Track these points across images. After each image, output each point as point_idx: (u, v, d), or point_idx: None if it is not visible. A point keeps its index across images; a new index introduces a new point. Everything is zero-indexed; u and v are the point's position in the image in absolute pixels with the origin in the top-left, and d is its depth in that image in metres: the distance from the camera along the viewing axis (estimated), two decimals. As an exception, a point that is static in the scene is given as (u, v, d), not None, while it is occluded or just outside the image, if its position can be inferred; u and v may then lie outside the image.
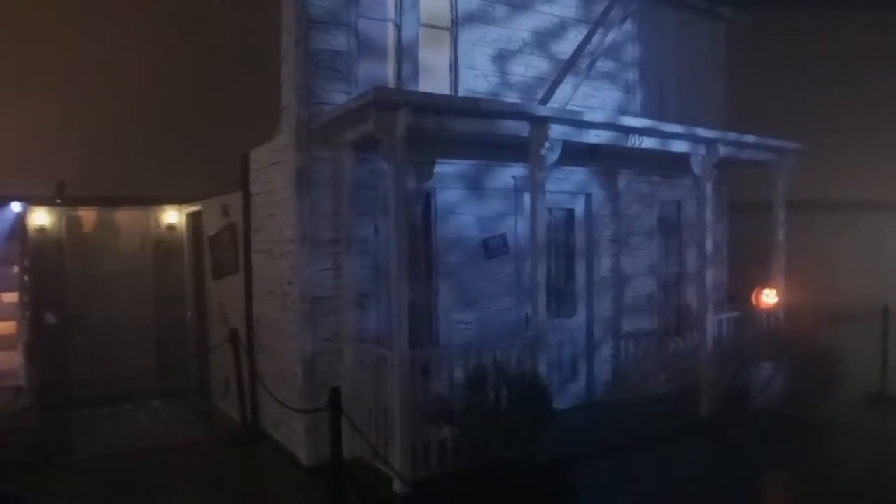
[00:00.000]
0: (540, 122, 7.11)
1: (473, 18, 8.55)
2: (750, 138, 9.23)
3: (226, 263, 9.53)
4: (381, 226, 7.56)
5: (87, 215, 11.28)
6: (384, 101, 6.14)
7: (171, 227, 11.75)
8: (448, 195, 8.24)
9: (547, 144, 7.15)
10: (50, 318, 10.52)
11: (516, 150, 7.93)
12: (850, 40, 13.42)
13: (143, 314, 11.57)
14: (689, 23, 10.87)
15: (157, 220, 11.68)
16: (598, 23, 9.73)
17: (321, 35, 7.40)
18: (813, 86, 13.11)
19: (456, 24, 8.43)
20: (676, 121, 9.47)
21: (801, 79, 13.03)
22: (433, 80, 8.15)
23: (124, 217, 11.52)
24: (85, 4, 10.41)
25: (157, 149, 10.79)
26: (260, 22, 8.65)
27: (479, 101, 6.77)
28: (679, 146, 8.64)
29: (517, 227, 8.75)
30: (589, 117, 7.49)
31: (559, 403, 8.41)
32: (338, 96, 7.36)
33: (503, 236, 8.64)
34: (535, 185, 7.28)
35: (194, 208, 11.08)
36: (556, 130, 7.23)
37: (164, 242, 11.74)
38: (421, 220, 8.12)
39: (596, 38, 9.68)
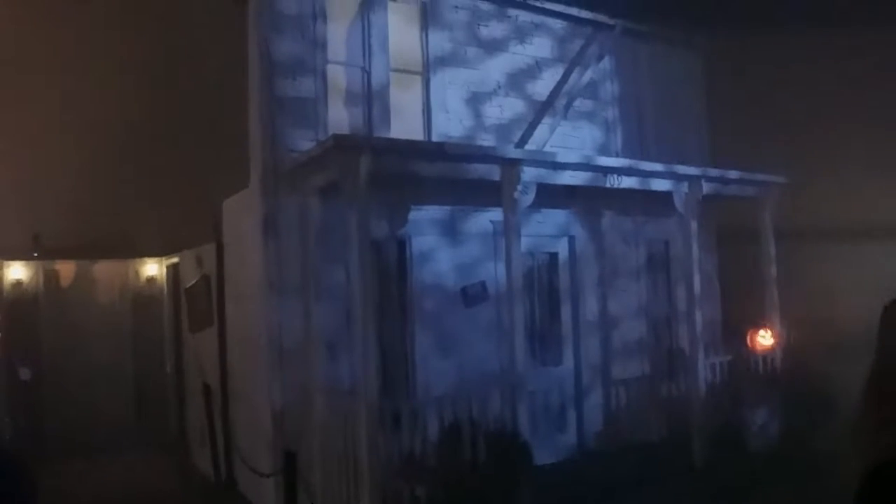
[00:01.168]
0: (510, 165, 6.93)
1: (445, 61, 8.45)
2: (733, 174, 9.05)
3: (201, 315, 9.30)
4: (352, 271, 7.32)
5: (65, 268, 11.13)
6: (345, 147, 5.98)
7: (150, 280, 11.56)
8: (423, 241, 8.03)
9: (519, 187, 6.96)
10: (24, 373, 10.26)
11: (492, 193, 7.74)
12: (834, 64, 13.26)
13: (122, 367, 11.34)
14: (666, 55, 10.76)
15: (136, 273, 11.50)
16: (575, 62, 9.64)
17: (287, 81, 7.28)
18: (797, 112, 12.91)
19: (427, 67, 8.32)
20: (659, 156, 9.33)
21: (784, 106, 12.83)
22: (405, 124, 8.01)
23: (103, 270, 11.36)
24: (61, 56, 10.36)
25: (136, 200, 10.65)
26: (233, 70, 8.57)
27: (444, 144, 6.61)
28: (660, 185, 8.45)
29: (497, 273, 8.49)
30: (563, 158, 7.32)
31: (548, 455, 8.13)
32: (305, 142, 7.21)
33: (482, 283, 8.40)
34: (509, 229, 7.08)
35: (173, 260, 10.89)
36: (529, 173, 7.05)
37: (143, 295, 11.54)
38: (396, 266, 7.89)
39: (573, 77, 9.58)
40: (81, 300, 11.18)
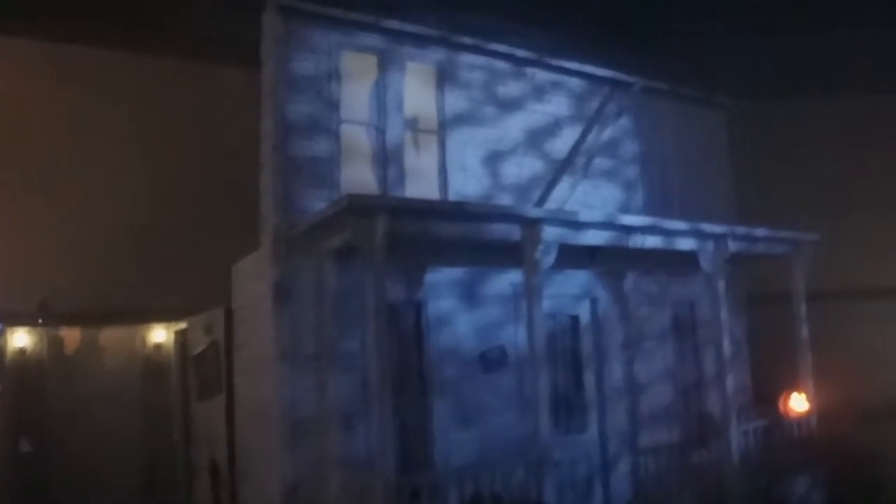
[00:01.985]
0: (531, 225, 6.65)
1: (462, 120, 8.27)
2: (761, 231, 8.74)
3: (210, 384, 8.94)
4: (368, 339, 6.97)
5: (71, 335, 10.81)
6: (360, 208, 5.73)
7: (158, 346, 11.23)
8: (441, 305, 7.70)
9: (541, 247, 6.65)
10: (24, 445, 9.85)
11: (512, 254, 7.45)
12: (857, 124, 13.10)
13: (130, 437, 10.89)
14: (687, 113, 10.58)
15: (143, 339, 11.19)
16: (593, 120, 9.47)
17: (301, 141, 7.09)
18: (823, 171, 12.71)
19: (443, 126, 8.14)
20: (682, 215, 9.06)
21: (808, 165, 12.64)
22: (421, 184, 7.79)
23: (110, 336, 11.03)
24: (70, 119, 10.30)
25: (143, 264, 10.42)
26: (246, 132, 8.43)
27: (464, 204, 6.37)
28: (685, 244, 8.13)
29: (517, 337, 8.13)
30: (585, 217, 7.03)
31: (574, 530, 7.62)
32: (319, 203, 6.96)
33: (502, 347, 8.03)
34: (530, 291, 6.75)
35: (181, 326, 10.58)
36: (550, 232, 6.75)
37: (152, 362, 11.19)
38: (412, 332, 7.55)
39: (592, 136, 9.39)
40: (88, 367, 10.83)
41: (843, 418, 9.09)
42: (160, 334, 11.22)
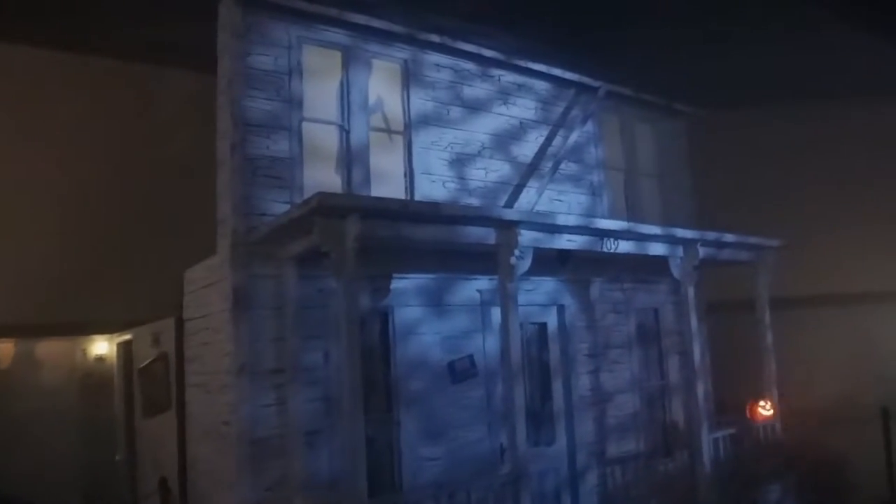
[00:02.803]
0: (508, 228, 6.36)
1: (428, 121, 7.96)
2: (730, 237, 8.66)
3: (157, 399, 8.37)
4: (332, 351, 6.59)
5: (4, 348, 10.08)
6: (330, 208, 5.33)
7: (100, 359, 10.58)
8: (407, 313, 7.34)
9: (517, 252, 6.37)
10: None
11: (481, 260, 7.15)
12: (815, 132, 13.25)
13: (68, 456, 10.22)
14: (649, 121, 10.52)
15: (84, 352, 10.51)
16: (559, 124, 9.27)
17: (260, 140, 6.66)
18: (781, 180, 12.80)
19: (409, 127, 7.81)
20: (646, 222, 8.91)
21: (768, 173, 12.72)
22: (386, 187, 7.43)
23: (47, 349, 10.35)
24: (5, 120, 9.60)
25: (85, 271, 9.75)
26: (201, 131, 7.94)
27: (440, 205, 6.03)
28: (657, 249, 7.98)
29: (486, 346, 7.85)
30: (562, 220, 6.78)
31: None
32: (279, 206, 6.54)
33: (470, 357, 7.72)
34: (506, 298, 6.45)
35: (125, 337, 9.96)
36: (527, 236, 6.48)
37: (93, 376, 10.52)
38: (378, 342, 7.18)
39: (558, 140, 9.19)
40: (22, 383, 10.13)
41: (808, 424, 9.07)
42: (102, 346, 10.57)
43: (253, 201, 6.53)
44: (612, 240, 7.40)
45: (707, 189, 11.32)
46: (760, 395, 9.32)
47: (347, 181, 7.17)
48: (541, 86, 9.19)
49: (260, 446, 6.28)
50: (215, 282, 6.83)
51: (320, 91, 7.24)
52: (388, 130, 7.71)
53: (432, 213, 5.86)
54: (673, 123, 10.87)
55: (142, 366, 8.81)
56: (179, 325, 7.83)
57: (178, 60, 10.35)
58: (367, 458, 5.57)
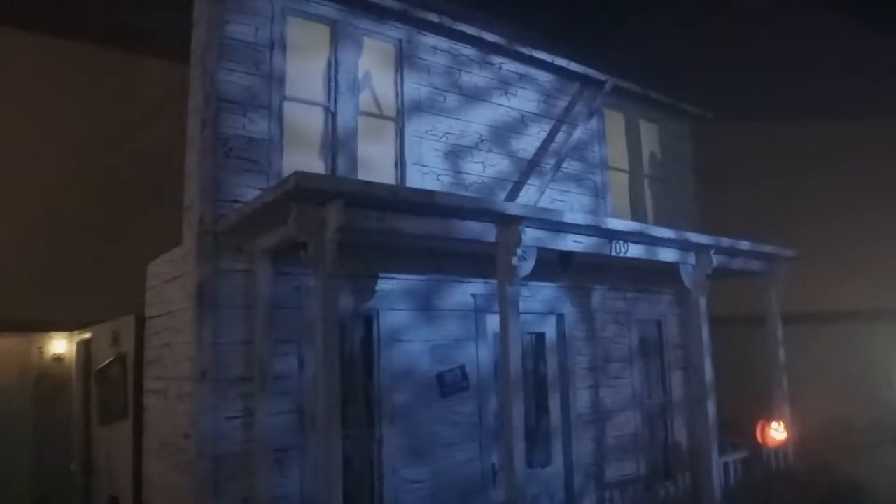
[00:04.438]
0: (510, 224, 5.66)
1: (422, 108, 7.26)
2: (744, 245, 8.01)
3: (113, 406, 7.59)
4: (307, 357, 5.84)
5: (-48, 346, 9.26)
6: (308, 192, 4.60)
7: (57, 358, 9.76)
8: (394, 318, 6.62)
9: (519, 252, 5.67)
10: None
11: (477, 260, 6.49)
12: (810, 148, 12.86)
13: (19, 464, 9.42)
14: (655, 120, 9.89)
15: (40, 350, 9.68)
16: (562, 119, 8.61)
17: (235, 118, 5.93)
18: (783, 194, 12.32)
19: (402, 113, 7.11)
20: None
21: (772, 186, 12.24)
22: (374, 177, 6.66)
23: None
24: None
25: (42, 263, 8.99)
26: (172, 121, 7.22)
27: (435, 193, 5.30)
28: (668, 255, 7.31)
29: (479, 357, 7.16)
30: (570, 218, 6.07)
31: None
32: (254, 193, 5.79)
33: (462, 368, 7.01)
34: (505, 304, 5.75)
35: (85, 335, 9.16)
36: (530, 235, 5.79)
37: (48, 377, 9.71)
38: (359, 349, 6.44)
39: (560, 136, 8.53)
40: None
41: (822, 448, 8.47)
42: (60, 345, 9.76)
43: (224, 186, 5.79)
44: (621, 243, 6.72)
45: (711, 197, 10.75)
46: (771, 416, 8.66)
47: (332, 168, 6.45)
48: (544, 77, 8.53)
49: (223, 463, 5.53)
50: (178, 276, 6.08)
51: (305, 68, 6.53)
52: (379, 115, 7.01)
53: (426, 202, 5.12)
54: (679, 124, 10.25)
55: (98, 368, 8.02)
56: (140, 323, 7.08)
57: (153, 49, 9.69)
58: (344, 480, 4.88)
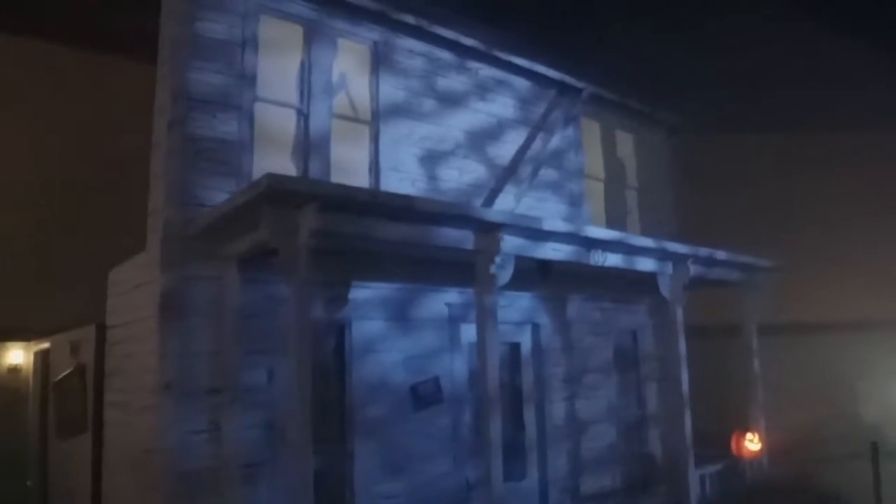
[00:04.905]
0: (489, 231, 5.50)
1: (398, 111, 7.09)
2: (722, 254, 7.95)
3: (72, 419, 7.24)
4: (278, 369, 5.60)
5: None
6: (282, 195, 4.39)
7: (13, 369, 9.34)
8: (367, 328, 6.41)
9: (498, 259, 5.50)
10: None
11: (453, 269, 6.31)
12: (786, 159, 12.96)
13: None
14: (632, 129, 9.84)
15: (-5, 361, 9.28)
16: (539, 126, 8.50)
17: (205, 118, 5.69)
18: (759, 206, 12.39)
19: (377, 116, 6.93)
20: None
21: (748, 198, 12.30)
22: (348, 182, 6.46)
23: (-49, 357, 9.10)
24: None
25: (-1, 271, 8.61)
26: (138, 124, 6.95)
27: (414, 199, 5.13)
28: (646, 265, 7.21)
29: (453, 368, 6.97)
30: (550, 226, 5.92)
31: None
32: (223, 196, 5.55)
33: (436, 380, 6.81)
34: (483, 313, 5.59)
35: (43, 345, 8.77)
36: (509, 242, 5.62)
37: (4, 389, 9.29)
38: (332, 360, 6.23)
39: (537, 143, 8.41)
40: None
41: (795, 459, 8.44)
42: (17, 355, 9.35)
43: (192, 189, 5.55)
44: (600, 251, 6.60)
45: (688, 207, 10.73)
46: (746, 427, 8.60)
47: (304, 172, 6.23)
48: (521, 83, 8.42)
49: (188, 480, 5.26)
50: (143, 283, 5.80)
51: (278, 69, 6.32)
52: (354, 119, 6.82)
53: (405, 207, 4.94)
54: (656, 134, 10.21)
55: (57, 379, 7.66)
56: (101, 332, 6.75)
57: (124, 51, 9.37)
58: (316, 496, 4.67)
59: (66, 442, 7.42)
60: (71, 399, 7.26)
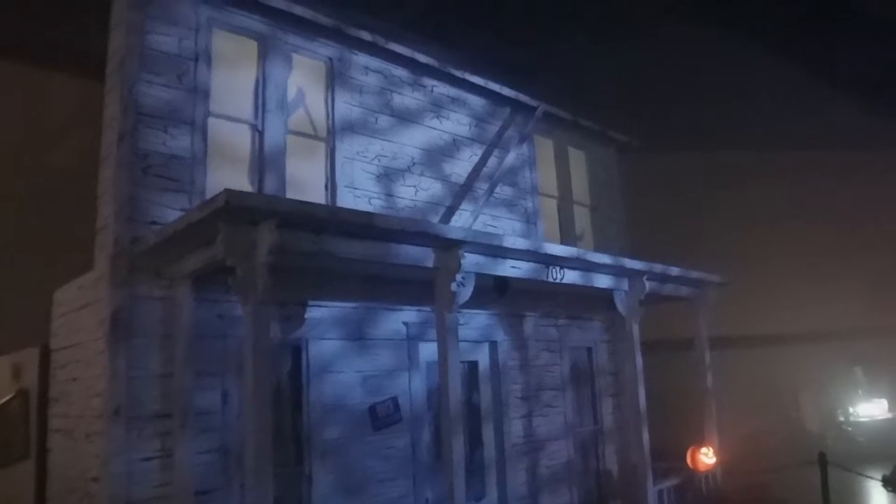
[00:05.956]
0: (450, 248, 5.46)
1: (353, 128, 7.02)
2: (675, 270, 8.07)
3: (13, 445, 6.90)
4: (232, 391, 5.44)
5: None
6: (239, 211, 4.27)
7: (-52, 396, 8.87)
8: (324, 348, 6.29)
9: (459, 277, 5.46)
10: None
11: (411, 287, 6.25)
12: (733, 177, 13.31)
13: None
14: (584, 147, 9.94)
15: (-72, 387, 8.80)
16: (494, 144, 8.53)
17: (155, 133, 5.54)
18: (707, 220, 12.67)
19: (333, 133, 6.85)
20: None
21: (697, 213, 12.56)
22: (304, 199, 6.36)
23: None
24: None
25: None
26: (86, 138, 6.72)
27: (374, 215, 5.05)
28: (603, 281, 7.26)
29: (412, 387, 6.89)
30: (510, 243, 5.91)
31: None
32: (175, 214, 5.40)
33: (394, 400, 6.72)
34: (444, 331, 5.53)
35: (-18, 369, 8.38)
36: (470, 260, 5.59)
37: (-63, 416, 8.81)
38: (288, 381, 6.08)
39: (492, 161, 8.43)
40: None
41: (748, 470, 8.58)
42: (-48, 381, 8.88)
43: (142, 205, 5.37)
44: (558, 268, 6.62)
45: (640, 224, 10.89)
46: (700, 441, 8.70)
47: (259, 188, 6.10)
48: (476, 101, 8.44)
49: (137, 510, 5.04)
50: (89, 303, 5.58)
51: (232, 84, 6.20)
52: (309, 135, 6.73)
53: (365, 224, 4.86)
54: (607, 151, 10.34)
55: (-4, 404, 7.32)
56: (45, 355, 6.47)
57: (66, 65, 9.08)
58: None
59: (7, 469, 7.08)
60: (12, 425, 6.92)
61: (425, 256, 5.42)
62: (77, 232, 6.33)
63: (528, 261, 6.30)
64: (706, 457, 8.42)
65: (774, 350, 13.81)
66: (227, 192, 4.12)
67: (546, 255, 6.31)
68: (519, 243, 6.05)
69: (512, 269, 6.19)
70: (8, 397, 7.08)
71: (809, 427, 14.22)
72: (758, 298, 12.97)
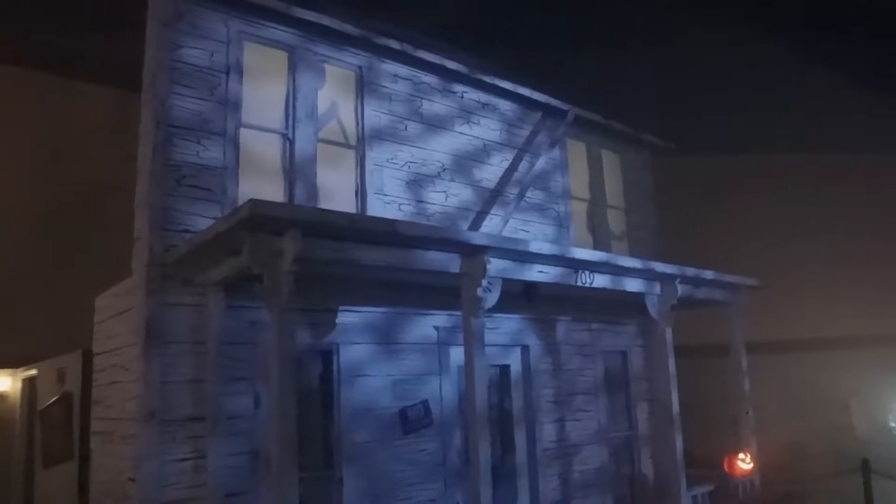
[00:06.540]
0: (475, 254, 5.49)
1: (383, 136, 7.11)
2: (709, 274, 7.96)
3: (57, 447, 7.19)
4: (262, 396, 5.57)
5: None
6: (264, 220, 4.38)
7: (0, 396, 9.27)
8: (354, 352, 6.37)
9: (485, 283, 5.50)
10: None
11: (440, 292, 6.29)
12: (770, 180, 13.06)
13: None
14: (616, 151, 9.87)
15: (-20, 389, 9.22)
16: (524, 148, 8.54)
17: (188, 144, 5.70)
18: (743, 224, 12.48)
19: (362, 141, 6.94)
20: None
21: (732, 217, 12.39)
22: (334, 206, 6.48)
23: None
24: None
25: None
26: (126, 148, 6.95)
27: (397, 223, 5.12)
28: (633, 285, 7.21)
29: (442, 391, 6.94)
30: (536, 248, 5.93)
31: None
32: (207, 223, 5.54)
33: (425, 403, 6.78)
34: (470, 336, 5.56)
35: (31, 373, 8.72)
36: (496, 265, 5.62)
37: (-9, 416, 9.22)
38: (318, 386, 6.18)
39: (523, 166, 8.44)
40: None
41: (788, 477, 8.42)
42: (4, 382, 9.29)
43: (175, 215, 5.54)
44: (587, 273, 6.60)
45: (672, 228, 10.77)
46: (737, 447, 8.57)
47: (290, 197, 6.23)
48: (506, 106, 8.46)
49: (171, 510, 5.19)
50: (125, 310, 5.77)
51: (262, 95, 6.34)
52: (339, 143, 6.83)
53: (388, 231, 4.94)
54: (640, 155, 10.24)
55: (42, 407, 7.61)
56: (87, 359, 6.73)
57: (103, 76, 9.41)
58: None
59: (52, 470, 7.35)
60: (56, 427, 7.21)
61: (451, 262, 5.46)
62: (120, 239, 6.55)
63: (556, 265, 6.30)
64: (743, 463, 8.29)
65: (822, 355, 13.50)
66: (252, 202, 4.23)
67: (574, 259, 6.29)
68: (545, 248, 6.06)
69: (539, 273, 6.19)
70: (53, 400, 7.36)
71: (860, 434, 13.86)
72: (801, 302, 12.70)
